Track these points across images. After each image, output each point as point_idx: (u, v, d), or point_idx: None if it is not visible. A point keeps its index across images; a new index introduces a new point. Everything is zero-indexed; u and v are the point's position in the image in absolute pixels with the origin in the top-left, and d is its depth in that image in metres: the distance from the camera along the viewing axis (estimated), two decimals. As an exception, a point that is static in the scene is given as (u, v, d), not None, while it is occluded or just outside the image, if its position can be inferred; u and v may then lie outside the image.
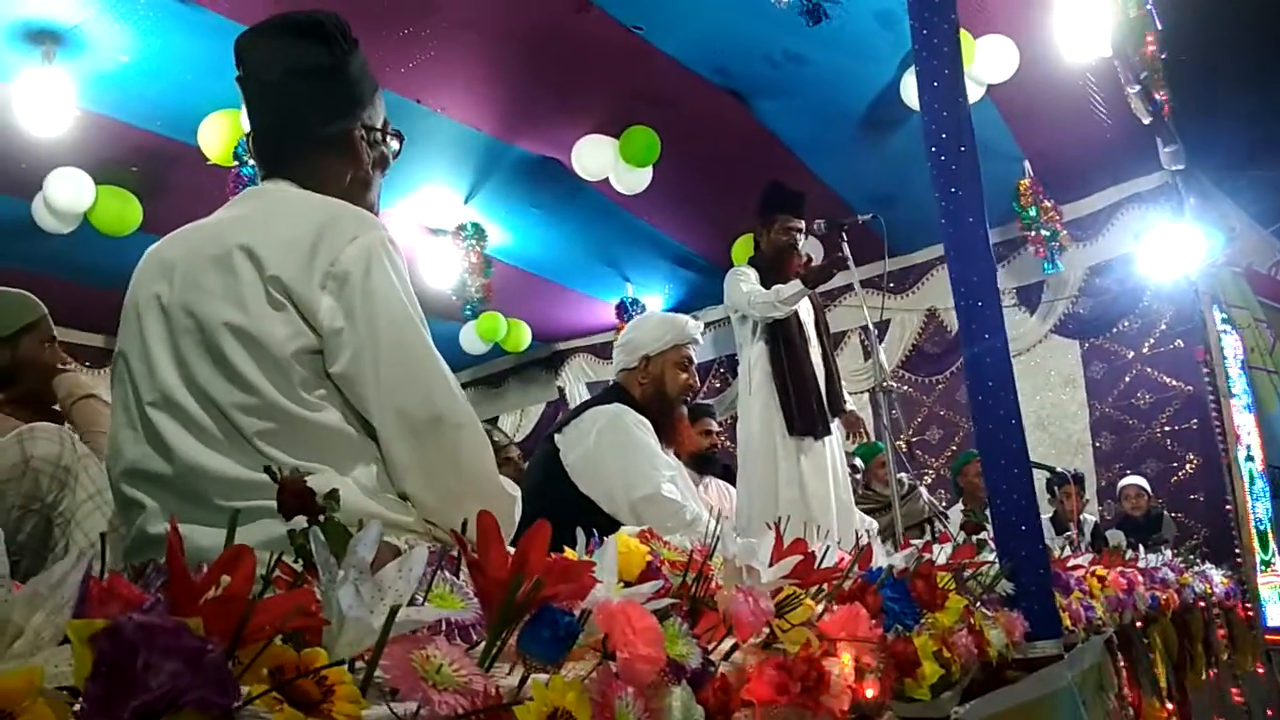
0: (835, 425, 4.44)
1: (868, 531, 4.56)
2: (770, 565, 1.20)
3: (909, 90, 5.11)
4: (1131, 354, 6.92)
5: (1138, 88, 5.35)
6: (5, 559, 0.55)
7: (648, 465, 2.91)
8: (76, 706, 0.51)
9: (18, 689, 0.48)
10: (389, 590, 0.75)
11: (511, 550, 0.88)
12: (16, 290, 2.57)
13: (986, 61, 4.95)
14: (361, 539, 0.74)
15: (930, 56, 2.13)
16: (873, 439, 5.68)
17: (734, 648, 1.12)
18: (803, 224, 4.54)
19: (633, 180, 5.73)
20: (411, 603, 0.79)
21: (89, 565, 0.58)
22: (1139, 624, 3.01)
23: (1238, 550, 6.03)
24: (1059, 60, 5.19)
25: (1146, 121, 5.48)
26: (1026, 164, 6.39)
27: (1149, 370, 6.85)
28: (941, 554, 1.90)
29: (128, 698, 0.50)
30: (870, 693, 1.20)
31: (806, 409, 4.27)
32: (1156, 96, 5.33)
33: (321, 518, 0.84)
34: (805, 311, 4.48)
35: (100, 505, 1.97)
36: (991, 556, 2.08)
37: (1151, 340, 6.85)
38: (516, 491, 1.61)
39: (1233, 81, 5.96)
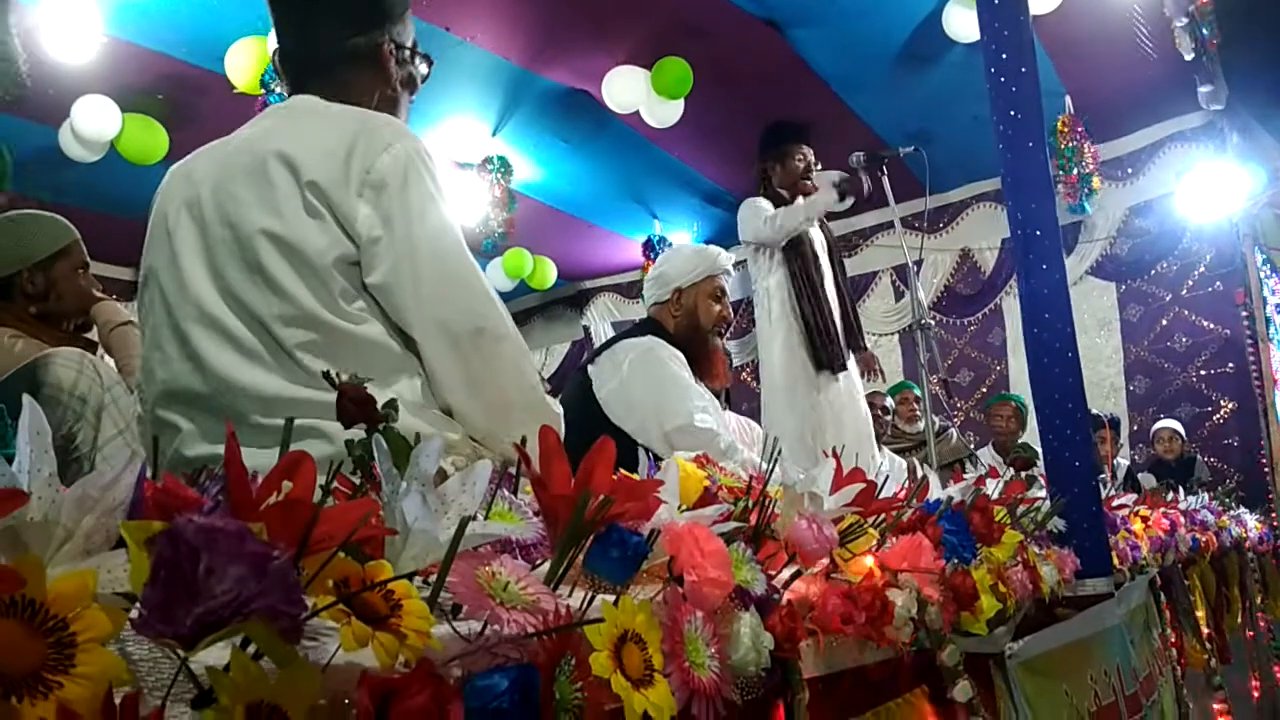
0: (852, 363, 4.39)
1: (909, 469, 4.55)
2: (831, 494, 1.16)
3: (951, 21, 4.97)
4: (1169, 296, 6.81)
5: (1185, 21, 5.19)
6: (53, 456, 0.51)
7: (680, 396, 2.87)
8: (133, 614, 0.47)
9: (71, 593, 0.44)
10: (452, 504, 0.71)
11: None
12: (48, 214, 2.53)
13: (1032, -9, 4.79)
14: (423, 450, 0.70)
15: (991, -27, 2.04)
16: (889, 382, 5.63)
17: (795, 576, 1.08)
18: (812, 152, 4.49)
19: (664, 113, 5.62)
20: (472, 519, 0.75)
21: (143, 467, 0.54)
22: (1180, 566, 2.97)
23: (1271, 495, 5.98)
24: (1106, -9, 5.04)
25: (1189, 58, 5.32)
26: (1068, 99, 6.22)
27: (1186, 313, 6.74)
28: (993, 491, 1.85)
29: (190, 604, 0.46)
30: (934, 625, 1.16)
31: (826, 342, 4.23)
32: (1203, 31, 5.17)
33: (381, 427, 0.80)
34: (820, 247, 4.42)
35: (131, 441, 1.91)
36: (1041, 493, 2.03)
37: (1190, 282, 6.73)
38: (559, 409, 1.57)
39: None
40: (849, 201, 4.22)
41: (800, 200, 4.28)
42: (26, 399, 0.52)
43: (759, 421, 4.38)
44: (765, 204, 4.39)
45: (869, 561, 1.12)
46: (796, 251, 4.30)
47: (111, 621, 0.45)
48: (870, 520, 1.24)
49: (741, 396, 7.76)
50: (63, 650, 0.43)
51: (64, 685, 0.42)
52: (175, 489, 0.55)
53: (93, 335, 2.52)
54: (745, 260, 5.25)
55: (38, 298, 2.41)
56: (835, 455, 1.25)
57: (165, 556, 0.46)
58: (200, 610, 0.46)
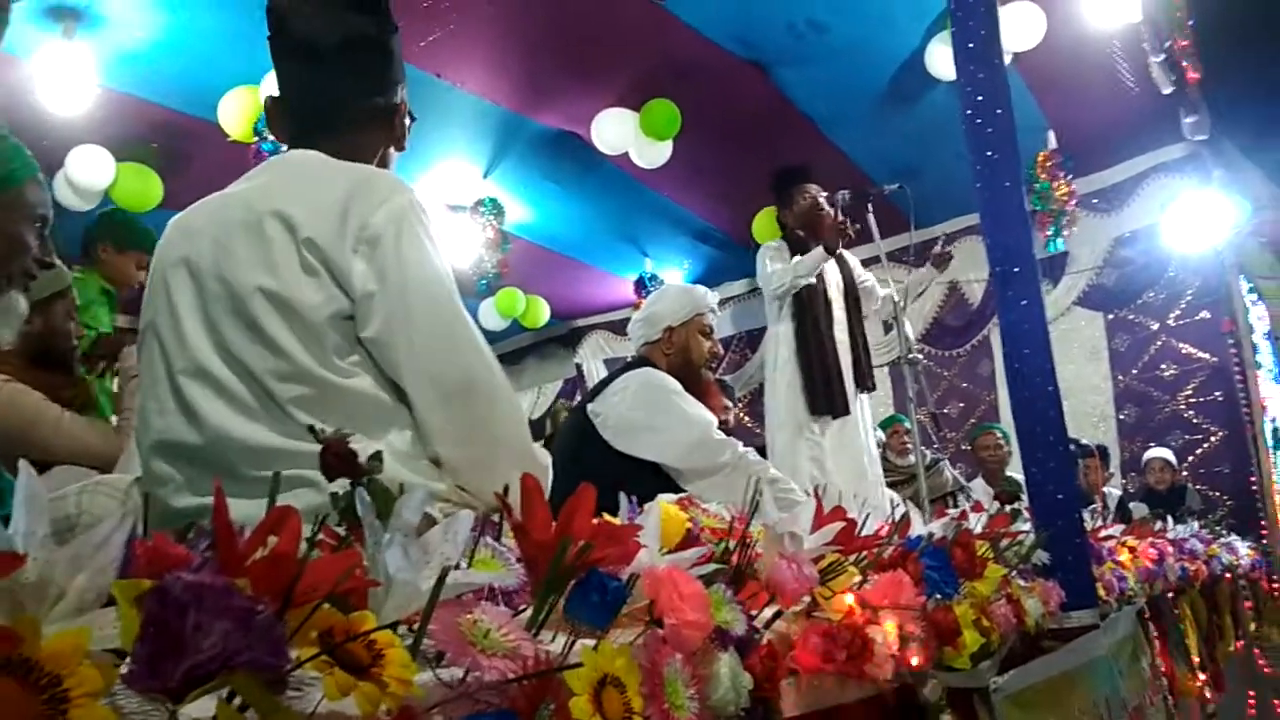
0: (862, 400, 4.51)
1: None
2: (811, 533, 1.18)
3: (934, 60, 5.05)
4: (1156, 325, 6.84)
5: (1163, 56, 5.27)
6: (46, 518, 0.53)
7: (691, 409, 2.96)
8: (124, 669, 0.49)
9: (65, 651, 0.46)
10: (435, 553, 0.73)
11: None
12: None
13: (1013, 29, 4.86)
14: (406, 502, 0.72)
15: (966, 17, 2.08)
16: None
17: (776, 615, 1.10)
18: (817, 186, 4.66)
19: (653, 154, 5.69)
20: (455, 568, 0.77)
21: (133, 526, 0.56)
22: (1170, 595, 2.99)
23: (1263, 522, 6.00)
24: (1086, 27, 5.12)
25: (1166, 91, 5.39)
26: (1050, 134, 6.30)
27: (1174, 342, 6.78)
28: (976, 525, 1.87)
29: (178, 659, 0.48)
30: (914, 661, 1.18)
31: (826, 388, 4.37)
32: (1182, 64, 5.25)
33: (365, 480, 0.83)
34: (834, 288, 4.56)
35: None
36: (1025, 526, 2.06)
37: (1177, 312, 6.77)
38: (548, 459, 1.59)
39: (1262, 49, 5.86)
40: (830, 257, 4.45)
41: (794, 261, 4.50)
42: (22, 464, 0.54)
43: None
44: (776, 253, 4.62)
45: (849, 599, 1.14)
46: (806, 301, 4.48)
47: (103, 678, 0.47)
48: (851, 558, 1.26)
49: (740, 437, 7.79)
50: (57, 706, 0.45)
51: (58, 740, 0.44)
52: (164, 547, 0.58)
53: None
54: (731, 299, 5.39)
55: (33, 338, 2.43)
56: (817, 495, 1.28)
57: (154, 613, 0.49)
58: (187, 664, 0.48)
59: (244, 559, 0.60)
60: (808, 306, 4.45)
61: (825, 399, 4.35)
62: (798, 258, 4.47)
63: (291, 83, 1.67)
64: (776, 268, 4.50)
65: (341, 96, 1.63)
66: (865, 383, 4.56)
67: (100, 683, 0.46)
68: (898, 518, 1.50)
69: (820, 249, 4.40)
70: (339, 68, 1.62)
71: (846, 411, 4.40)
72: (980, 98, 2.05)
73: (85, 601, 0.53)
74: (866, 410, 4.58)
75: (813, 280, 4.46)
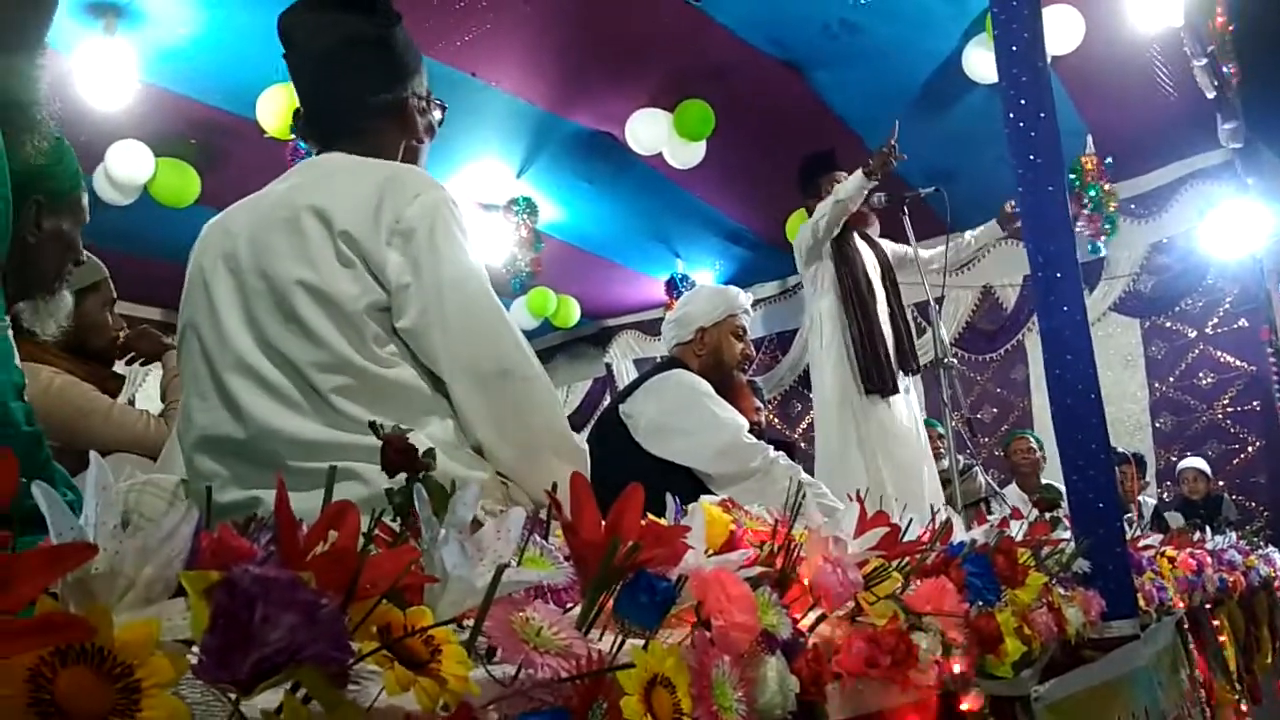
0: (908, 383, 4.41)
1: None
2: (855, 537, 1.17)
3: (971, 63, 5.01)
4: (1194, 333, 6.77)
5: (1204, 60, 5.20)
6: (118, 510, 0.54)
7: (722, 412, 2.93)
8: (191, 660, 0.49)
9: (138, 641, 0.47)
10: (488, 550, 0.73)
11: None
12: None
13: (1052, 32, 4.81)
14: (461, 498, 0.72)
15: (1010, 20, 2.07)
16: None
17: (819, 620, 1.09)
18: (846, 173, 4.56)
19: (686, 154, 5.69)
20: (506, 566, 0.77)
21: (199, 519, 0.57)
22: (1208, 606, 2.95)
23: (1301, 534, 5.91)
24: (1125, 32, 5.08)
25: (1211, 96, 5.33)
26: (1089, 138, 6.23)
27: (1211, 350, 6.70)
28: (1017, 532, 1.85)
29: (246, 651, 0.48)
30: (957, 668, 1.17)
31: (876, 366, 4.24)
32: (1224, 69, 5.18)
33: (420, 475, 0.83)
34: (872, 268, 4.45)
35: None
36: (1065, 534, 2.04)
37: (1215, 319, 6.69)
38: (585, 446, 1.61)
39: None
40: (874, 182, 4.27)
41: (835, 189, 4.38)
42: (93, 455, 0.55)
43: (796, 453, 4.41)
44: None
45: (892, 604, 1.14)
46: (848, 274, 4.35)
47: (174, 668, 0.47)
48: (894, 563, 1.25)
49: (769, 438, 7.77)
50: (129, 695, 0.45)
51: (130, 730, 0.45)
52: (228, 540, 0.58)
53: (119, 369, 2.56)
54: (763, 300, 5.28)
55: (68, 331, 2.46)
56: (859, 499, 1.27)
57: (223, 605, 0.49)
58: (256, 656, 0.48)
59: (306, 553, 0.60)
60: (850, 279, 4.32)
61: (876, 377, 4.20)
62: (840, 182, 4.35)
63: (304, 91, 1.72)
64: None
65: (346, 97, 1.67)
66: (909, 364, 4.39)
67: (171, 673, 0.47)
68: (939, 523, 1.49)
69: (860, 173, 4.22)
70: (339, 70, 1.66)
71: (895, 390, 4.26)
72: (1023, 101, 2.03)
73: (153, 592, 0.54)
74: (914, 393, 4.47)
75: (856, 206, 4.31)
